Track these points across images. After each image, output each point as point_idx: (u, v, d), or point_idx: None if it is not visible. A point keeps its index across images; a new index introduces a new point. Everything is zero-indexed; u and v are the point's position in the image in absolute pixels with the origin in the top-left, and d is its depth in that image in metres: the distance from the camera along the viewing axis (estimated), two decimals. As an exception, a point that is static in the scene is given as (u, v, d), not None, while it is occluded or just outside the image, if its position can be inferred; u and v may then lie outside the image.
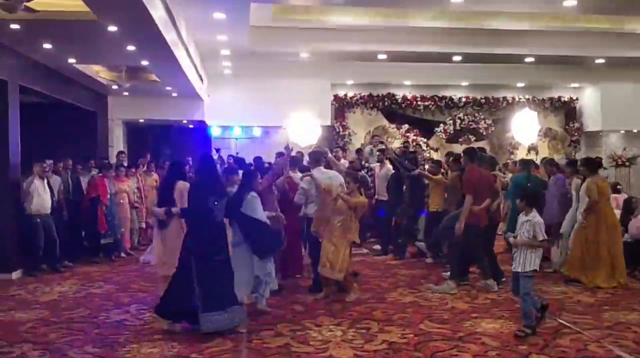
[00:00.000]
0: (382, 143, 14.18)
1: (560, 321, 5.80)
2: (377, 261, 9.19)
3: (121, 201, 10.00)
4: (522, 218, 5.52)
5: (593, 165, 7.70)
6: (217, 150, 9.85)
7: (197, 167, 6.31)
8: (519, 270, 5.41)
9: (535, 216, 5.46)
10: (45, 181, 8.56)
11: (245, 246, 5.92)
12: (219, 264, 5.41)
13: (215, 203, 5.45)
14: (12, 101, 9.01)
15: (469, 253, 7.23)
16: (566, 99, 16.86)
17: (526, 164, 8.88)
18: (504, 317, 5.98)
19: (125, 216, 10.07)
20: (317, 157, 7.68)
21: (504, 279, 7.28)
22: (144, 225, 10.93)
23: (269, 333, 5.44)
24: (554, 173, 8.58)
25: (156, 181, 11.18)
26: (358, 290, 6.84)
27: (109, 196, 9.58)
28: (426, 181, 9.22)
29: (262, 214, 6.06)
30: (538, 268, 5.42)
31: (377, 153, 10.95)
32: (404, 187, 9.44)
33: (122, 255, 9.82)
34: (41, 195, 8.44)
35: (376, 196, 10.22)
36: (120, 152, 11.83)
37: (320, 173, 7.32)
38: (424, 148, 15.34)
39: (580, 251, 7.47)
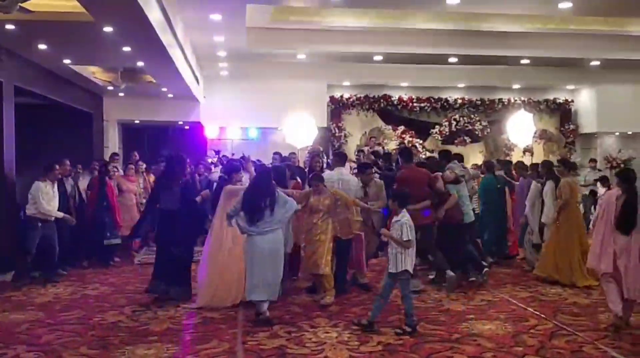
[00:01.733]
0: (379, 144, 14.20)
1: (556, 322, 5.81)
2: (373, 263, 9.18)
3: (130, 202, 9.72)
4: (394, 218, 5.62)
5: (568, 166, 8.01)
6: (217, 152, 9.83)
7: (255, 177, 6.42)
8: (393, 271, 5.49)
9: (404, 216, 5.53)
10: (56, 184, 8.04)
11: (268, 248, 5.90)
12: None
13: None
14: (7, 102, 8.99)
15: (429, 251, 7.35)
16: (561, 101, 16.91)
17: (490, 166, 9.20)
18: (499, 318, 5.99)
19: (134, 216, 9.50)
20: (341, 158, 7.78)
21: (487, 270, 7.40)
22: None
23: (264, 335, 5.43)
24: (524, 176, 8.85)
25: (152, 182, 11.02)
26: (332, 295, 6.64)
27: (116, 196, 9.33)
28: None
29: None
30: (411, 270, 5.48)
31: (359, 154, 10.90)
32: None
33: (116, 259, 9.34)
34: (52, 200, 7.90)
35: None
36: (114, 154, 11.71)
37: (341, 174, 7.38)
38: (420, 149, 15.34)
39: (553, 251, 7.61)
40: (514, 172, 9.70)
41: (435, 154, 14.07)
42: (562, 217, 7.56)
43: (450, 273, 7.03)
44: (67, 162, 8.57)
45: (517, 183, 9.15)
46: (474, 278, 7.32)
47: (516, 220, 8.91)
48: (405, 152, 7.70)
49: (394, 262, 5.48)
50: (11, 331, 5.63)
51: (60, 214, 7.96)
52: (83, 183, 9.33)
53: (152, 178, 10.97)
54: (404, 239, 5.42)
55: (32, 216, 7.75)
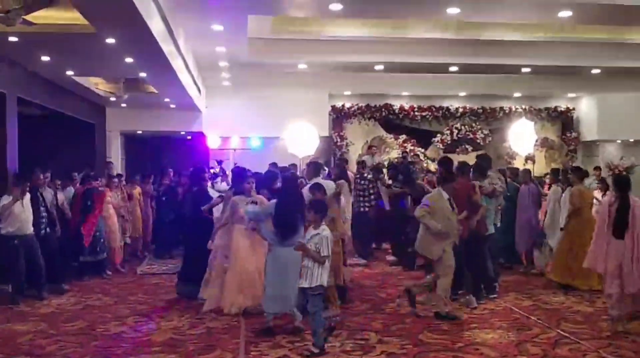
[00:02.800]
0: (373, 154, 14.15)
1: (559, 331, 5.80)
2: (376, 272, 9.18)
3: (109, 212, 9.27)
4: (311, 231, 5.27)
5: (581, 174, 8.09)
6: (219, 162, 9.85)
7: (283, 185, 6.35)
8: (306, 286, 5.15)
9: (324, 229, 5.18)
10: (28, 197, 7.36)
11: (291, 259, 5.76)
12: None
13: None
14: (11, 113, 9.03)
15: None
16: (563, 109, 16.93)
17: (502, 174, 9.05)
18: (502, 327, 5.97)
19: (113, 229, 9.31)
20: (317, 167, 7.67)
21: (494, 296, 7.19)
22: (128, 240, 10.09)
23: (267, 345, 5.42)
24: (527, 182, 8.98)
25: (139, 194, 10.69)
26: (338, 308, 6.49)
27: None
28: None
29: None
30: (325, 285, 5.16)
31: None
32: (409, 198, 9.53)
33: (109, 272, 8.99)
34: (20, 214, 7.21)
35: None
36: (109, 162, 11.54)
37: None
38: (422, 158, 15.35)
39: (566, 257, 7.71)
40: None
41: (434, 165, 14.17)
42: (574, 223, 7.72)
43: (472, 298, 6.84)
44: (40, 173, 8.00)
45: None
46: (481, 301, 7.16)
47: (521, 226, 8.91)
48: (446, 163, 7.44)
49: (309, 276, 5.12)
50: (14, 341, 5.63)
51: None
52: (64, 194, 8.93)
53: (138, 190, 10.71)
54: (323, 254, 5.08)
55: (9, 235, 7.15)
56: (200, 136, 15.91)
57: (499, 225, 7.96)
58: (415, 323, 6.16)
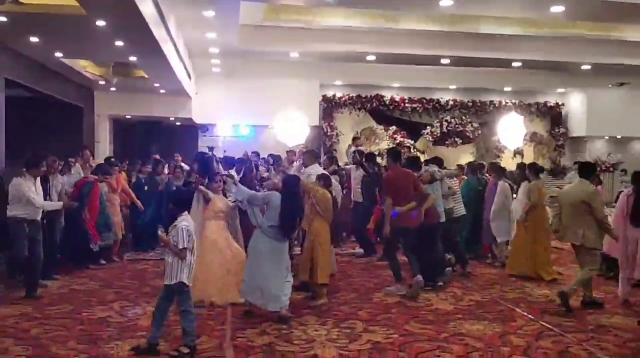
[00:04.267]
0: (359, 145, 14.11)
1: (543, 323, 5.86)
2: (363, 262, 9.21)
3: (114, 202, 8.96)
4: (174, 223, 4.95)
5: (536, 170, 8.41)
6: (211, 148, 9.79)
7: (285, 185, 6.15)
8: (167, 283, 4.83)
9: (182, 221, 4.87)
10: (38, 181, 6.93)
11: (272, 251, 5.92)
12: None
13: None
14: (-3, 95, 8.93)
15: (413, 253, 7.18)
16: (552, 104, 17.05)
17: (474, 168, 9.43)
18: (487, 318, 6.02)
19: (116, 221, 8.94)
20: (315, 155, 7.77)
21: (440, 284, 7.28)
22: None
23: (253, 332, 5.43)
24: (496, 178, 9.06)
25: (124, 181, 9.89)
26: (326, 297, 6.59)
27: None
28: None
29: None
30: (186, 281, 4.82)
31: (352, 154, 10.82)
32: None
33: (102, 261, 8.62)
34: (38, 195, 6.81)
35: (353, 198, 10.13)
36: (84, 146, 10.45)
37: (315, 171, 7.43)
38: (411, 149, 15.39)
39: (521, 248, 8.11)
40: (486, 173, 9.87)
41: (423, 157, 14.20)
42: (531, 218, 8.04)
43: (419, 277, 6.83)
44: (55, 159, 7.61)
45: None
46: (441, 283, 7.35)
47: (486, 220, 9.06)
48: (393, 152, 7.59)
49: (169, 272, 4.81)
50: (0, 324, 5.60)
51: (58, 204, 7.12)
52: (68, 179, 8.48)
53: (123, 175, 10.06)
54: (179, 247, 4.76)
55: (19, 217, 6.64)
56: (189, 123, 15.84)
57: (456, 209, 8.22)
58: (401, 313, 6.19)
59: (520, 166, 9.16)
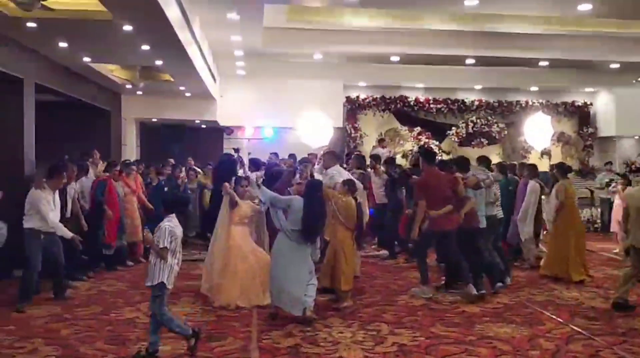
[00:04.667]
0: (384, 146, 14.02)
1: (573, 326, 5.76)
2: (387, 264, 9.17)
3: (132, 203, 8.91)
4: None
5: (564, 169, 8.43)
6: (236, 150, 9.84)
7: (307, 191, 6.15)
8: (148, 284, 4.82)
9: (167, 222, 4.85)
10: (57, 193, 6.80)
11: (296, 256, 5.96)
12: None
13: None
14: (28, 99, 9.08)
15: (452, 259, 7.04)
16: (580, 104, 16.77)
17: (503, 168, 9.24)
18: (515, 321, 5.94)
19: (136, 223, 8.88)
20: (337, 156, 7.73)
21: (483, 292, 6.97)
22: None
23: (278, 333, 5.44)
24: (527, 178, 8.95)
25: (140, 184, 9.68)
26: (350, 299, 6.56)
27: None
28: None
29: None
30: (166, 282, 4.76)
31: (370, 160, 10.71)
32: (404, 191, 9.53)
33: (130, 263, 8.72)
34: (55, 208, 6.66)
35: (376, 201, 10.05)
36: (93, 148, 10.14)
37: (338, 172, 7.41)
38: (436, 151, 15.28)
39: (554, 250, 8.11)
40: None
41: (448, 158, 14.06)
42: (561, 217, 8.05)
43: (472, 287, 6.70)
44: (74, 167, 7.54)
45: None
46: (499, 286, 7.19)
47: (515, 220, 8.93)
48: (427, 153, 7.47)
49: (151, 273, 4.78)
50: (30, 325, 5.70)
51: (69, 234, 6.55)
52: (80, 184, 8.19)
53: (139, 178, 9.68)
54: (160, 246, 4.71)
55: (35, 229, 6.44)
56: (214, 125, 15.95)
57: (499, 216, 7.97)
58: (427, 315, 6.15)
59: (555, 166, 9.08)
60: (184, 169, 11.44)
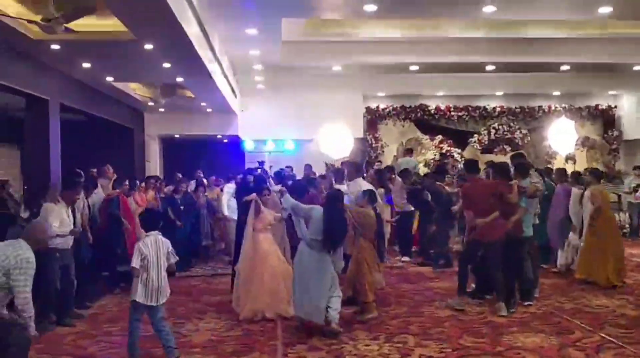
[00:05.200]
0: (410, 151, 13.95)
1: (603, 335, 5.64)
2: (412, 274, 9.10)
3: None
4: None
5: (597, 175, 8.44)
6: (261, 163, 9.90)
7: (328, 201, 6.19)
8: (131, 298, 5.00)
9: (142, 240, 5.00)
10: (70, 208, 6.59)
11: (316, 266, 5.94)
12: None
13: None
14: (53, 119, 9.28)
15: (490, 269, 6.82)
16: (604, 107, 16.53)
17: (539, 172, 9.04)
18: (544, 331, 5.84)
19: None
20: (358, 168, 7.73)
21: (529, 303, 6.88)
22: None
23: (304, 347, 5.43)
24: (562, 182, 8.96)
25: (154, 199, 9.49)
26: (375, 311, 6.50)
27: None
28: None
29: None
30: (138, 300, 4.90)
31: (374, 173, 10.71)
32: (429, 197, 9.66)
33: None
34: (64, 226, 6.36)
35: (395, 209, 10.16)
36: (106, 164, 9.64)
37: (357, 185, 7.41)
38: (458, 158, 15.18)
39: (591, 253, 8.03)
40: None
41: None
42: (598, 222, 8.02)
43: (503, 307, 6.50)
44: (81, 190, 7.14)
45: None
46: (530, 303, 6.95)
47: (552, 224, 8.78)
48: (469, 164, 7.42)
49: (133, 289, 4.98)
50: (57, 342, 5.77)
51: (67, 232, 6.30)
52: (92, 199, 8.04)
53: (150, 194, 9.54)
54: (131, 265, 4.90)
55: (50, 246, 5.81)
56: (236, 139, 16.08)
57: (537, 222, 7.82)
58: (454, 326, 6.08)
59: (589, 171, 9.03)
60: (192, 182, 11.30)
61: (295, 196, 6.58)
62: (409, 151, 14.35)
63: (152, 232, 5.09)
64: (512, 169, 7.27)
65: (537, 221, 7.77)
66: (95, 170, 9.45)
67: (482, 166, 8.97)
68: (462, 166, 13.95)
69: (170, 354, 5.00)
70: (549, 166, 14.06)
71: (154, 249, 4.97)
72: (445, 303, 6.92)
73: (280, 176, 9.40)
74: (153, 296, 4.95)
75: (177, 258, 5.25)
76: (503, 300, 6.57)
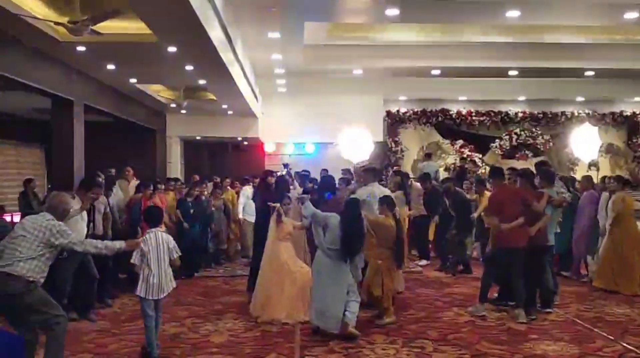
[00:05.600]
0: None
1: (624, 344, 5.56)
2: (430, 279, 9.06)
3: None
4: None
5: (621, 181, 8.37)
6: (286, 166, 9.93)
7: (347, 209, 6.14)
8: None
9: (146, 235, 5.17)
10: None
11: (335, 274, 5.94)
12: None
13: None
14: (78, 120, 9.42)
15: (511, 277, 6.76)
16: (628, 114, 16.31)
17: (565, 181, 8.98)
18: (564, 339, 5.77)
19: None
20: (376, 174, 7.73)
21: (549, 310, 6.83)
22: None
23: (321, 350, 5.43)
24: (588, 189, 8.88)
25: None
26: (393, 315, 6.46)
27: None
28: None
29: None
30: (141, 295, 5.07)
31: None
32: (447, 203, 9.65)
33: None
34: (77, 222, 6.25)
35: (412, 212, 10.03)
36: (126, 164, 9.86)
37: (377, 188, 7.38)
38: (479, 163, 15.08)
39: (610, 262, 7.96)
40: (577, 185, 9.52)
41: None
42: (618, 229, 7.94)
43: (522, 314, 6.47)
44: (101, 190, 7.06)
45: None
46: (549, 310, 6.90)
47: (582, 232, 8.67)
48: (495, 171, 7.45)
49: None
50: (78, 339, 5.84)
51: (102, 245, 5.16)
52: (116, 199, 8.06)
53: (171, 196, 9.52)
54: (131, 261, 5.10)
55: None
56: (256, 142, 16.17)
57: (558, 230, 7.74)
58: (472, 332, 6.03)
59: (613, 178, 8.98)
60: (209, 184, 11.13)
61: (325, 192, 6.58)
62: (428, 156, 14.30)
63: (153, 229, 5.23)
64: (537, 177, 7.26)
65: (559, 230, 7.72)
66: (113, 170, 9.55)
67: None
68: (480, 171, 13.90)
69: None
70: (572, 174, 13.93)
71: (154, 245, 5.10)
72: (466, 311, 6.88)
73: (304, 179, 9.38)
74: (154, 290, 5.08)
75: (180, 253, 5.32)
76: (522, 306, 6.51)
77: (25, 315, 4.35)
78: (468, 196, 9.91)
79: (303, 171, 10.86)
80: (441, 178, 12.20)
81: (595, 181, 9.68)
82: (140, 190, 8.51)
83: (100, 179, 7.50)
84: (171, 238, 5.29)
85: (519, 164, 14.41)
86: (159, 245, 5.12)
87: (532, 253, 6.64)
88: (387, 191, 7.43)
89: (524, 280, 6.60)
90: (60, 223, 4.62)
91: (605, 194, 8.46)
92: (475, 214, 9.35)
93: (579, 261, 8.88)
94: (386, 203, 6.63)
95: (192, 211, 9.34)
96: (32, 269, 4.32)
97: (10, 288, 4.24)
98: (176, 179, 10.64)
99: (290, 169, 11.08)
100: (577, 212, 8.69)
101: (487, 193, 8.81)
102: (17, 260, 4.27)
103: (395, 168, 13.03)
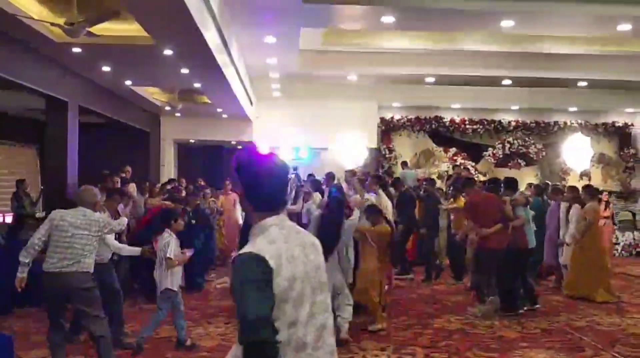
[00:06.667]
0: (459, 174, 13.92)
1: (614, 353, 5.60)
2: (422, 286, 9.08)
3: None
4: None
5: (592, 192, 8.53)
6: (295, 168, 9.84)
7: (330, 206, 6.11)
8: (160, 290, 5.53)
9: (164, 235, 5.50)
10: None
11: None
12: None
13: None
14: (72, 121, 9.39)
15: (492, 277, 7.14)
16: (620, 124, 16.41)
17: (539, 190, 9.55)
18: (554, 347, 5.80)
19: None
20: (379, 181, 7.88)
21: (523, 309, 7.10)
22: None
23: (313, 355, 5.42)
24: (556, 198, 9.07)
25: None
26: (385, 322, 6.46)
27: None
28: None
29: None
30: (170, 287, 5.40)
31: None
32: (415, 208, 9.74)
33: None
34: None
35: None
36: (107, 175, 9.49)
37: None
38: (472, 172, 15.13)
39: (578, 270, 8.16)
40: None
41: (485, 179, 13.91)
42: (587, 238, 8.13)
43: (496, 298, 6.94)
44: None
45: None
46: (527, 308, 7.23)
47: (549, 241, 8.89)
48: (465, 180, 8.13)
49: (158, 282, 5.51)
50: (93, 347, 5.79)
51: (136, 251, 5.60)
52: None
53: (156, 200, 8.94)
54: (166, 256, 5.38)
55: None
56: (251, 146, 16.15)
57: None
58: (462, 340, 6.06)
59: (583, 188, 9.01)
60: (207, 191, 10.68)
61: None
62: (404, 164, 14.42)
63: (166, 229, 5.55)
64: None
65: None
66: (107, 172, 9.52)
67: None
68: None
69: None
70: (564, 183, 14.00)
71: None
72: (468, 315, 6.97)
73: (316, 183, 9.23)
74: (177, 280, 5.51)
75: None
76: (493, 303, 6.90)
77: (82, 307, 4.58)
78: (444, 201, 10.00)
79: (309, 175, 10.82)
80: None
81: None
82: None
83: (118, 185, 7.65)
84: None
85: (511, 173, 14.50)
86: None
87: (513, 255, 7.00)
88: (372, 201, 7.40)
89: (507, 281, 7.00)
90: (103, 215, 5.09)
91: (564, 205, 8.67)
92: (444, 207, 9.66)
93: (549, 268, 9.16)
94: (374, 212, 6.58)
95: (193, 221, 8.57)
96: (92, 262, 4.62)
97: (82, 283, 4.51)
98: (173, 182, 10.66)
99: (298, 173, 10.96)
100: (546, 220, 8.83)
101: (462, 199, 8.86)
102: (82, 257, 4.52)
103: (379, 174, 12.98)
